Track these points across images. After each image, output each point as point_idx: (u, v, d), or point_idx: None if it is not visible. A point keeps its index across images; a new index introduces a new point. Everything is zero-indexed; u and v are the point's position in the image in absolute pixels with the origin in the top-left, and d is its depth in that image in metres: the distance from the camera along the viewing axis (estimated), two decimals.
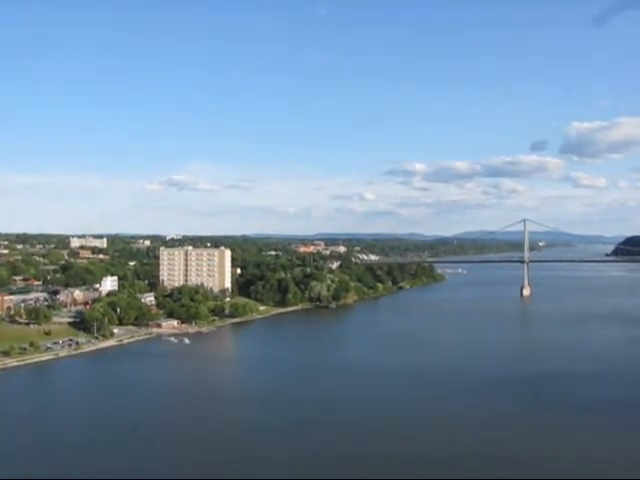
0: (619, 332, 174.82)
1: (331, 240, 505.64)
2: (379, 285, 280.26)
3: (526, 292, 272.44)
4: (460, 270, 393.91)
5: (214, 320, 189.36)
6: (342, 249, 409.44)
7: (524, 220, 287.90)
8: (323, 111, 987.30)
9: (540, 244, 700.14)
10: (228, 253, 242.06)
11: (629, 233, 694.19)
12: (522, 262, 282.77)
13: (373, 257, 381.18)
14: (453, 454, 76.51)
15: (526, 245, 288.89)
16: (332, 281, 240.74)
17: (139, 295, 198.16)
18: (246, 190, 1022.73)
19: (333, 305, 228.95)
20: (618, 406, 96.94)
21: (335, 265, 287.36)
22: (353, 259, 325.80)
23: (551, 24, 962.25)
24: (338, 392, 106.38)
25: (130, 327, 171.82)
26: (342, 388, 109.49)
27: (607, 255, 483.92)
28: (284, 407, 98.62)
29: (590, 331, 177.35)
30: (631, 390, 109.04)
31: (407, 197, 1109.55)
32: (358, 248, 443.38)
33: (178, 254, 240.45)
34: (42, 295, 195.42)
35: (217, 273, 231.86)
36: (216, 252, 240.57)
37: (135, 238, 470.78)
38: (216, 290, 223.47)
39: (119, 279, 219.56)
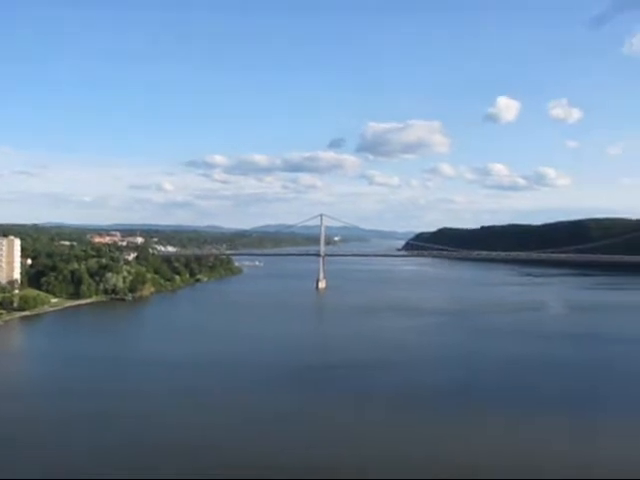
0: (409, 322, 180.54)
1: (128, 231, 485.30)
2: (177, 277, 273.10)
3: (322, 285, 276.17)
4: (257, 263, 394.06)
5: (1, 314, 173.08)
6: (139, 240, 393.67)
7: (321, 215, 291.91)
8: (122, 99, 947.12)
9: (336, 238, 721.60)
10: (17, 242, 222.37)
11: (418, 229, 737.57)
12: (318, 255, 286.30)
13: (171, 249, 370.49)
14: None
15: (322, 239, 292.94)
16: (128, 273, 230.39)
17: None
18: (37, 176, 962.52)
19: (129, 297, 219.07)
20: (399, 391, 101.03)
21: (132, 256, 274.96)
22: (151, 250, 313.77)
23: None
24: (116, 384, 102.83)
25: None
26: (122, 379, 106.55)
27: (399, 250, 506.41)
28: (53, 400, 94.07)
29: (382, 322, 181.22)
30: (414, 376, 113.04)
31: (207, 189, 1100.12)
32: (156, 239, 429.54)
33: None
34: None
35: (5, 264, 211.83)
36: (4, 241, 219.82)
37: None
38: (4, 282, 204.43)
39: None
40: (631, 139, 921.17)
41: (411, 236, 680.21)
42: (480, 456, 72.28)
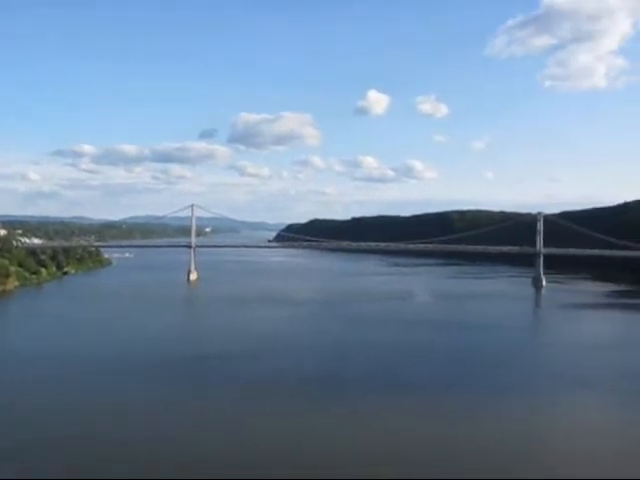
0: (280, 313, 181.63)
1: None
2: (43, 270, 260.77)
3: (193, 277, 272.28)
4: (127, 254, 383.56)
5: None
6: (2, 232, 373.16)
7: (192, 206, 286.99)
8: None
9: (207, 229, 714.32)
10: None
11: (289, 221, 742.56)
12: (189, 247, 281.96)
13: (37, 241, 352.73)
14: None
15: (193, 230, 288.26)
16: None
17: None
18: None
19: None
20: (267, 378, 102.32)
21: None
22: (14, 243, 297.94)
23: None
24: None
25: None
26: None
27: (270, 241, 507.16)
28: None
29: (253, 312, 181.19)
30: (285, 365, 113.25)
31: (74, 179, 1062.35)
32: (20, 231, 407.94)
33: None
34: None
35: None
36: None
37: None
38: None
39: None
40: (493, 135, 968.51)
41: (282, 227, 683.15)
42: (346, 442, 73.66)
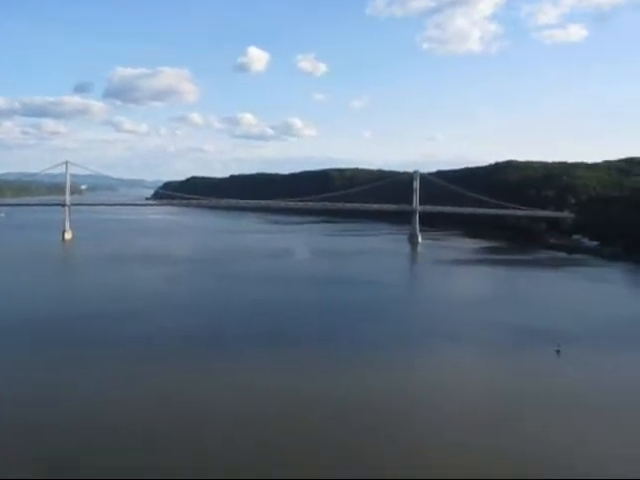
0: (159, 271, 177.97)
1: None
2: None
3: (68, 236, 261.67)
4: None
5: None
6: None
7: (66, 162, 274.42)
8: None
9: (83, 187, 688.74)
10: None
11: (167, 178, 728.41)
12: (64, 205, 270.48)
13: None
14: None
15: (68, 188, 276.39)
16: None
17: None
18: None
19: None
20: (143, 338, 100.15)
21: None
22: None
23: None
24: None
25: None
26: None
27: (148, 199, 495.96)
28: None
29: (131, 271, 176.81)
30: (166, 323, 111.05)
31: None
32: None
33: None
34: None
35: None
36: None
37: None
38: None
39: None
40: (372, 95, 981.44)
41: (160, 185, 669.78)
42: (225, 399, 73.71)
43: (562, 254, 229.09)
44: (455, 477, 55.11)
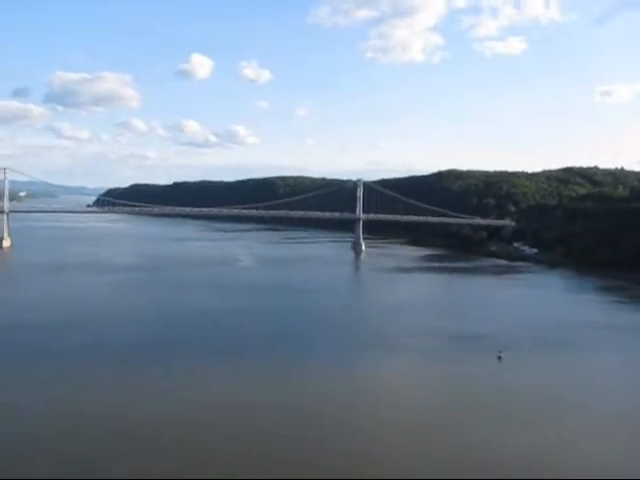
0: (101, 280, 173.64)
1: None
2: None
3: (6, 243, 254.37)
4: None
5: None
6: None
7: (4, 168, 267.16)
8: None
9: (22, 194, 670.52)
10: None
11: (110, 185, 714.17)
12: (1, 212, 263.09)
13: None
14: None
15: (6, 194, 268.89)
16: None
17: None
18: None
19: None
20: (83, 347, 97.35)
21: None
22: None
23: None
24: None
25: None
26: None
27: (89, 206, 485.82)
28: None
29: (72, 280, 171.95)
30: (109, 332, 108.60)
31: None
32: None
33: None
34: None
35: None
36: None
37: None
38: None
39: None
40: (316, 103, 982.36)
41: (102, 192, 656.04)
42: (161, 405, 72.82)
43: (503, 261, 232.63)
44: None
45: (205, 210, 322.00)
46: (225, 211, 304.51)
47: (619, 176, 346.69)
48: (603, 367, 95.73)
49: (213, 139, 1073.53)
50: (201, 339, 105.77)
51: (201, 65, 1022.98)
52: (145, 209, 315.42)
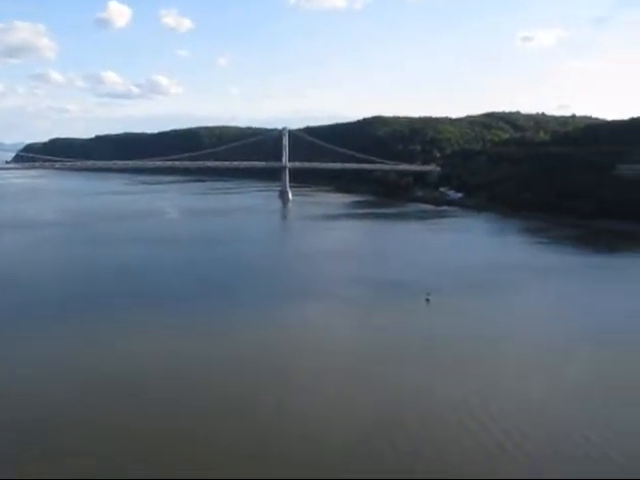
0: (23, 237, 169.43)
1: None
2: None
3: None
4: None
5: None
6: None
7: None
8: None
9: None
10: None
11: (28, 140, 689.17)
12: None
13: None
14: None
15: None
16: None
17: None
18: None
19: None
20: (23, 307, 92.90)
21: None
22: None
23: None
24: None
25: None
26: None
27: (8, 162, 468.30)
28: None
29: None
30: (35, 291, 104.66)
31: None
32: None
33: None
34: None
35: None
36: None
37: None
38: None
39: None
40: (238, 51, 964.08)
41: (21, 147, 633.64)
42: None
43: (429, 206, 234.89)
44: (318, 429, 55.10)
45: (129, 163, 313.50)
46: (149, 163, 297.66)
47: (540, 121, 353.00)
48: (522, 307, 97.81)
49: (135, 90, 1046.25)
50: (124, 293, 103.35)
51: (119, 13, 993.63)
52: (67, 164, 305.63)
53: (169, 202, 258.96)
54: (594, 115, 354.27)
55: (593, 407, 59.96)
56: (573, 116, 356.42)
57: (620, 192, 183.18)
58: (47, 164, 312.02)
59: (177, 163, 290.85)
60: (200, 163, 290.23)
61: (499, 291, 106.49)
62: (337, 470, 48.10)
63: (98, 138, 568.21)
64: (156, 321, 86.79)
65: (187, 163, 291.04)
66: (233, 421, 56.61)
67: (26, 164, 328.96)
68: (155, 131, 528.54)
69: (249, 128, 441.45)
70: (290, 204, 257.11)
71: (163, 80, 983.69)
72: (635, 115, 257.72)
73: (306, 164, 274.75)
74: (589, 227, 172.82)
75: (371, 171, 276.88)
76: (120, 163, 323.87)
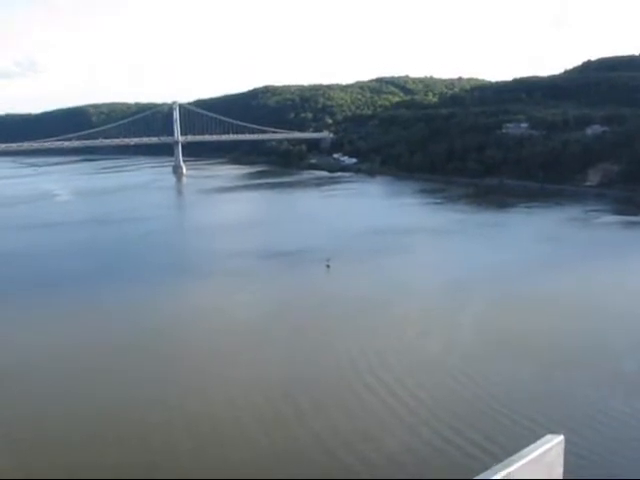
0: None
1: None
2: None
3: None
4: None
5: None
6: None
7: None
8: None
9: None
10: None
11: None
12: None
13: None
14: None
15: None
16: None
17: None
18: None
19: None
20: None
21: None
22: None
23: None
24: None
25: None
26: None
27: None
28: None
29: None
30: None
31: None
32: None
33: None
34: None
35: None
36: None
37: None
38: None
39: None
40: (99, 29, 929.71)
41: None
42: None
43: (324, 173, 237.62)
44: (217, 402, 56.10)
45: (13, 146, 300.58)
46: (35, 145, 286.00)
47: (429, 83, 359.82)
48: (420, 267, 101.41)
49: (14, 69, 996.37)
50: (9, 280, 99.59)
51: None
52: None
53: (59, 184, 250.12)
54: (480, 77, 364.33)
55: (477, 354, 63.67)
56: (460, 78, 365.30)
57: (506, 150, 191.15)
58: None
59: (66, 143, 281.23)
60: (90, 142, 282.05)
61: (397, 254, 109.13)
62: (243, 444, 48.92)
63: None
64: (40, 307, 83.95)
65: (76, 143, 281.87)
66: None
67: None
68: (39, 111, 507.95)
69: (137, 104, 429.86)
70: (185, 179, 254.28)
71: (42, 58, 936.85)
72: (517, 76, 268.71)
73: (198, 137, 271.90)
74: (478, 186, 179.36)
75: (264, 141, 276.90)
76: (4, 146, 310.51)
